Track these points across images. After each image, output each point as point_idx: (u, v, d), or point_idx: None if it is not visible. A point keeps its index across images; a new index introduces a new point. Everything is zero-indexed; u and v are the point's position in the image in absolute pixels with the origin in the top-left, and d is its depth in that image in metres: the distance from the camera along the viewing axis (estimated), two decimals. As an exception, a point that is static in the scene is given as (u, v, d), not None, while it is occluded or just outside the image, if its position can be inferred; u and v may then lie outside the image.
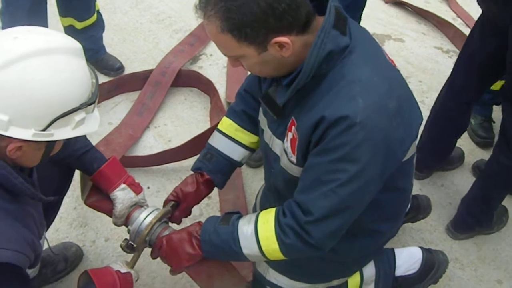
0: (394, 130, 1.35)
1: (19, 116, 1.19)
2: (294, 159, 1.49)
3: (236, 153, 1.86)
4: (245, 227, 1.53)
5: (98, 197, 1.76)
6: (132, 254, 1.70)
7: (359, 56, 1.35)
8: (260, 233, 1.51)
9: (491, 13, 2.10)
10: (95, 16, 2.94)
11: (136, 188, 1.75)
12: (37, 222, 1.49)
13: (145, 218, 1.68)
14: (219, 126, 1.90)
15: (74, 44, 1.27)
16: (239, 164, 1.89)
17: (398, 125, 1.36)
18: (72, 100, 1.25)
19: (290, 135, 1.48)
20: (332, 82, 1.34)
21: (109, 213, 1.74)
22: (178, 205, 1.80)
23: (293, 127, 1.46)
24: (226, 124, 1.88)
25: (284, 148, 1.53)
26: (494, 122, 2.92)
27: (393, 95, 1.36)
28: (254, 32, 1.27)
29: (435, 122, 2.52)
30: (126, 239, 1.71)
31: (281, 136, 1.53)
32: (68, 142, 1.59)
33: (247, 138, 1.86)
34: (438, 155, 2.65)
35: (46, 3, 2.64)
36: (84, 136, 1.74)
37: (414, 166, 1.66)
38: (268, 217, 1.53)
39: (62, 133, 1.29)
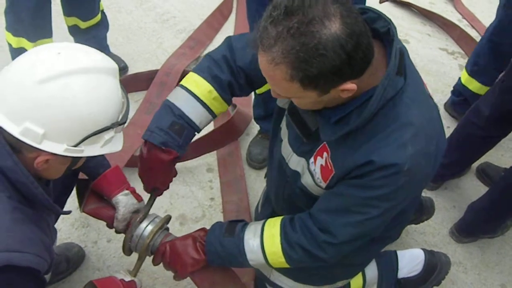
0: (430, 171, 1.36)
1: (54, 131, 1.22)
2: (323, 185, 1.44)
3: (204, 122, 1.64)
4: (251, 241, 1.53)
5: (97, 204, 1.75)
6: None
7: (409, 95, 1.28)
8: (266, 248, 1.51)
9: None
10: (99, 16, 2.93)
11: (138, 197, 1.75)
12: (51, 228, 1.50)
13: (146, 226, 1.67)
14: (192, 88, 1.59)
15: (112, 65, 1.30)
16: (199, 131, 1.66)
17: (434, 164, 1.36)
18: (106, 119, 1.28)
19: (320, 160, 1.42)
20: (382, 123, 1.27)
21: (109, 219, 1.73)
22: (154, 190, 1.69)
23: (325, 154, 1.39)
24: (204, 88, 1.59)
25: (309, 169, 1.47)
26: None
27: (434, 136, 1.33)
28: (327, 83, 1.17)
29: (458, 145, 2.47)
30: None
31: (305, 155, 1.48)
32: None
33: (221, 108, 1.64)
34: (456, 172, 2.66)
35: (50, 2, 2.64)
36: None
37: None
38: (273, 232, 1.52)
39: (91, 150, 1.31)
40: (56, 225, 1.97)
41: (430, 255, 2.05)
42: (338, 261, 1.64)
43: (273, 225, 1.54)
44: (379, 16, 1.29)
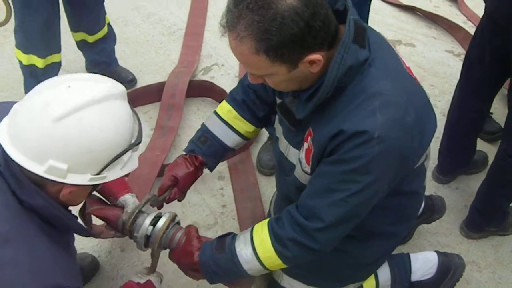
0: (409, 143, 1.36)
1: (77, 164, 1.24)
2: (308, 169, 1.49)
3: (230, 139, 1.88)
4: (243, 252, 1.55)
5: (99, 205, 1.80)
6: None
7: (379, 68, 1.34)
8: (260, 254, 1.53)
9: (493, 8, 2.09)
10: (105, 28, 2.97)
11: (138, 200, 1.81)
12: (71, 247, 1.54)
13: (149, 223, 1.70)
14: (218, 110, 1.89)
15: (120, 88, 1.33)
16: (231, 150, 1.92)
17: (413, 137, 1.37)
18: (124, 142, 1.31)
19: (305, 145, 1.48)
20: (351, 95, 1.33)
21: (112, 218, 1.78)
22: (173, 187, 1.82)
23: (309, 138, 1.45)
24: (225, 109, 1.87)
25: (299, 158, 1.53)
26: (492, 113, 2.82)
27: (411, 107, 1.35)
28: (290, 52, 1.25)
29: (450, 122, 2.51)
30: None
31: (298, 146, 1.53)
32: None
33: (244, 126, 1.87)
34: (459, 157, 2.61)
35: (59, 19, 2.68)
36: None
37: (426, 169, 1.66)
38: (262, 237, 1.54)
39: (113, 173, 1.34)
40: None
41: (443, 257, 2.03)
42: (345, 259, 1.65)
43: (261, 230, 1.56)
44: None
